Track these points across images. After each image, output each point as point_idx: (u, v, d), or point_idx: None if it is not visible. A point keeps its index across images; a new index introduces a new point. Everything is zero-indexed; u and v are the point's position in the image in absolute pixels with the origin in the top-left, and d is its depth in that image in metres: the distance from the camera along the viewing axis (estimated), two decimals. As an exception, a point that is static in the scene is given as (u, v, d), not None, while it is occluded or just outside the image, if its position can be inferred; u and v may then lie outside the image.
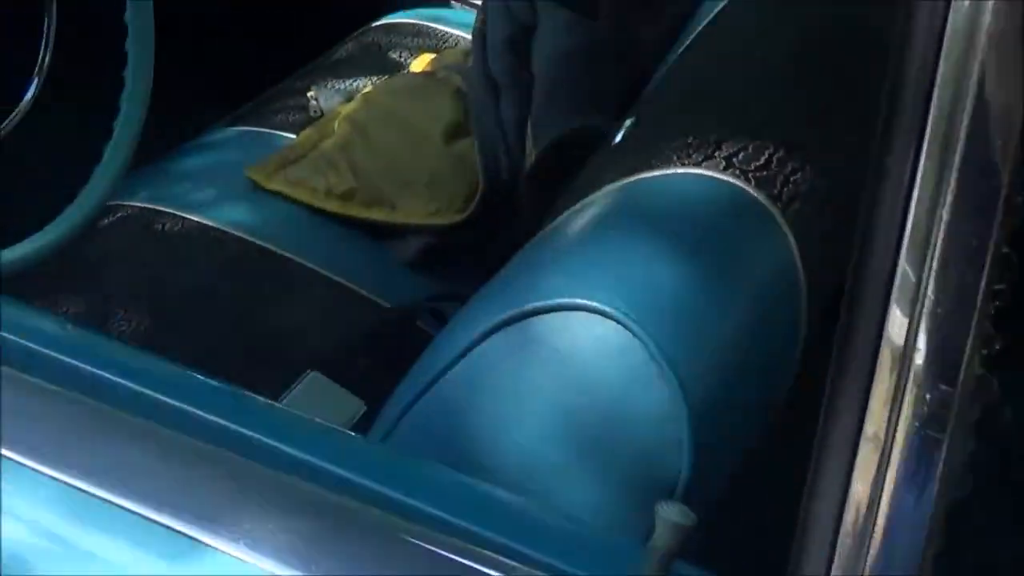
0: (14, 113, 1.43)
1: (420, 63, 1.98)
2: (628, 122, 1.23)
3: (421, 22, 2.17)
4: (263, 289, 1.61)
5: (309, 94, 1.92)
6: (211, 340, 1.53)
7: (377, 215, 1.68)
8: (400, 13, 2.23)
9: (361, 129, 1.74)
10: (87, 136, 1.53)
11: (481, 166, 1.64)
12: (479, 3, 2.31)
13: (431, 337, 1.54)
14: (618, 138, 1.21)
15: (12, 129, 1.43)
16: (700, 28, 1.36)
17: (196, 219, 1.68)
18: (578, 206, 0.95)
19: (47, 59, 1.46)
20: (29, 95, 1.44)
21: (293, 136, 1.83)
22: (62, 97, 1.51)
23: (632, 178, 0.90)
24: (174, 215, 1.68)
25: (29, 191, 2.13)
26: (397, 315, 1.58)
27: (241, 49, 2.83)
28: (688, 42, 1.36)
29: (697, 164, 0.87)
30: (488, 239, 1.65)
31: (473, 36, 1.74)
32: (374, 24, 2.21)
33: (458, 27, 2.15)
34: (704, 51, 1.24)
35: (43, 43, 1.45)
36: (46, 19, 1.45)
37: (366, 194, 1.69)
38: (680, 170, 0.87)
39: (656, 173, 0.88)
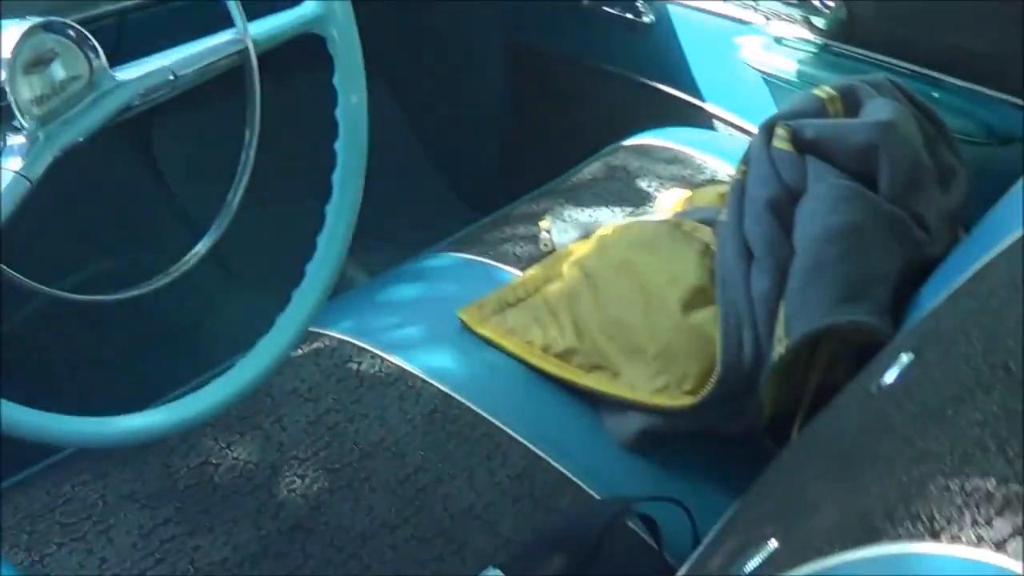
0: (208, 236, 1.28)
1: (669, 200, 1.74)
2: (904, 357, 0.97)
3: (677, 146, 1.94)
4: (456, 455, 1.40)
5: (542, 223, 1.71)
6: (389, 512, 1.34)
7: (597, 384, 1.45)
8: (654, 132, 2.00)
9: (591, 279, 1.51)
10: (288, 255, 1.39)
11: (721, 345, 1.39)
12: (746, 127, 2.09)
13: (640, 541, 1.32)
14: (888, 377, 0.95)
15: (207, 250, 1.28)
16: (1011, 237, 1.07)
17: (396, 361, 1.48)
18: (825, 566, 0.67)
19: (246, 171, 1.29)
20: (228, 209, 1.29)
21: (517, 272, 1.62)
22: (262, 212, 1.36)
23: (910, 547, 0.62)
24: (373, 354, 1.49)
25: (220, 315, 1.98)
26: (606, 510, 1.34)
27: (471, 160, 2.66)
28: (992, 255, 1.08)
29: (1000, 544, 0.59)
30: (716, 430, 1.41)
31: (732, 186, 1.49)
32: (625, 143, 1.99)
33: (718, 155, 1.92)
34: (1010, 287, 0.96)
35: (245, 147, 1.28)
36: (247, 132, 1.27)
37: (587, 357, 1.46)
38: (983, 555, 0.60)
39: (947, 552, 0.61)
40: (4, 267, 1.10)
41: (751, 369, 1.37)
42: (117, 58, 1.22)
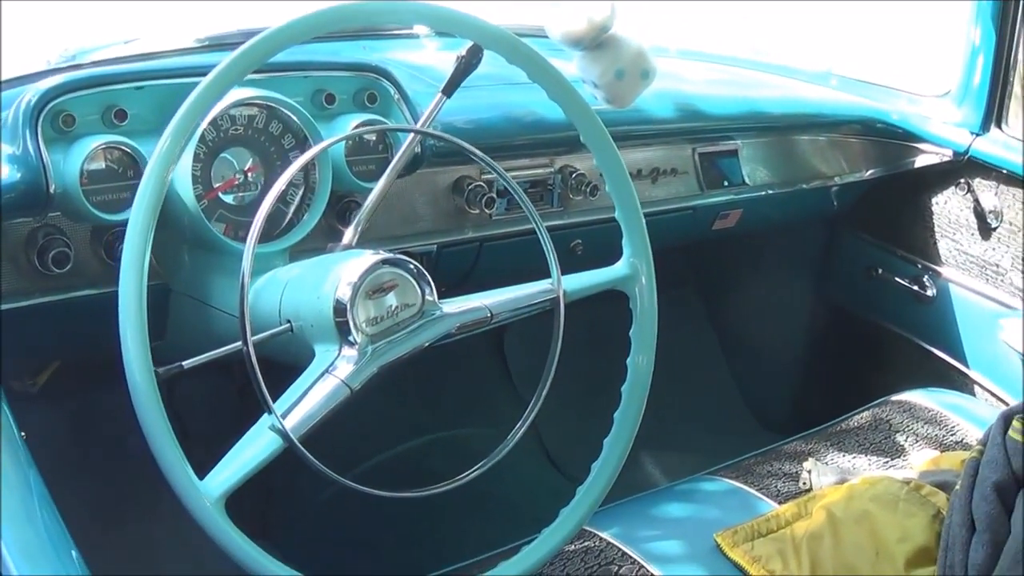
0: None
1: (920, 459, 1.60)
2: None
3: (937, 407, 1.81)
4: None
5: (806, 464, 1.60)
6: None
7: (822, 619, 1.32)
8: (921, 391, 1.86)
9: (835, 524, 1.40)
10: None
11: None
12: (1004, 396, 1.94)
13: None
14: None
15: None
16: None
17: (654, 572, 1.37)
18: None
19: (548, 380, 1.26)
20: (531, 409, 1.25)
21: (775, 505, 1.52)
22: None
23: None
24: (634, 561, 1.41)
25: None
26: None
27: (770, 388, 2.56)
28: None
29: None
30: None
31: (968, 463, 1.35)
32: (893, 397, 1.86)
33: (971, 421, 1.77)
34: None
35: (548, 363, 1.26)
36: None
37: (819, 595, 1.34)
38: None
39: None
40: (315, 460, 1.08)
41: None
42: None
